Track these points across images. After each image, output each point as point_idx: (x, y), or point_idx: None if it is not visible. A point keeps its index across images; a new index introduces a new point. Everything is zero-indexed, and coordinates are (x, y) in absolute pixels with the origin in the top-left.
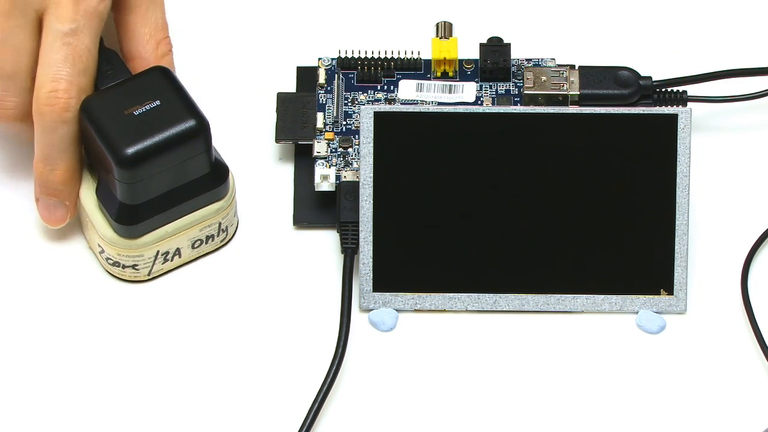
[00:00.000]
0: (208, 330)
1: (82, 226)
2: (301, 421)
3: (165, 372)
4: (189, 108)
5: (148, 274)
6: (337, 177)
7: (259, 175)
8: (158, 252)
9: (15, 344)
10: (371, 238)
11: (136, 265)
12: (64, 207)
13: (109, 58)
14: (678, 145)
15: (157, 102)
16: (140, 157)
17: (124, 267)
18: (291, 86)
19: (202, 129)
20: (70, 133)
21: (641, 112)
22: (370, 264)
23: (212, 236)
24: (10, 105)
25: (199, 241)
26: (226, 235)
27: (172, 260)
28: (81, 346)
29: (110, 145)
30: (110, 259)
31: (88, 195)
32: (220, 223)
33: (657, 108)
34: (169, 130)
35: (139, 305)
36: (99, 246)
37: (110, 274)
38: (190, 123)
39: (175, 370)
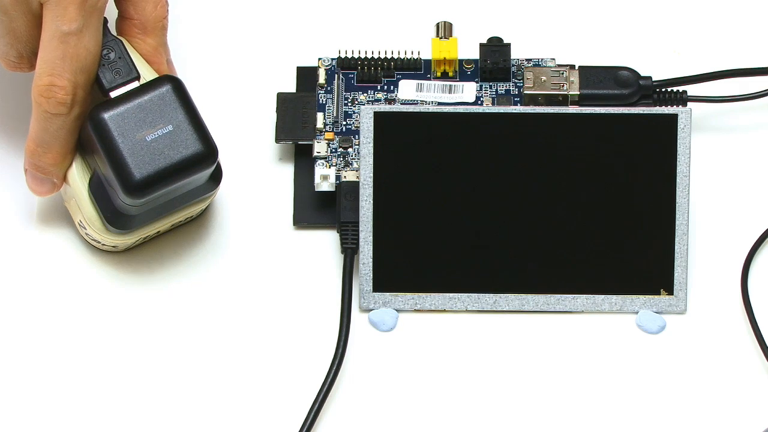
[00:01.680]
0: (208, 330)
1: (62, 194)
2: (302, 421)
3: (158, 371)
4: (200, 134)
5: (126, 249)
6: (337, 177)
7: (259, 175)
8: (140, 237)
9: None
10: (371, 238)
11: (117, 246)
12: (52, 183)
13: (117, 50)
14: (678, 145)
15: (169, 127)
16: (149, 184)
17: (103, 244)
18: (291, 86)
19: (211, 156)
20: (65, 125)
21: (641, 112)
22: (370, 264)
23: (191, 217)
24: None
25: (179, 223)
26: (203, 211)
27: (151, 239)
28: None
29: (119, 170)
30: (90, 236)
31: (79, 181)
32: (202, 209)
33: (657, 108)
34: (179, 159)
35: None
36: (81, 224)
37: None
38: (201, 150)
39: (171, 369)
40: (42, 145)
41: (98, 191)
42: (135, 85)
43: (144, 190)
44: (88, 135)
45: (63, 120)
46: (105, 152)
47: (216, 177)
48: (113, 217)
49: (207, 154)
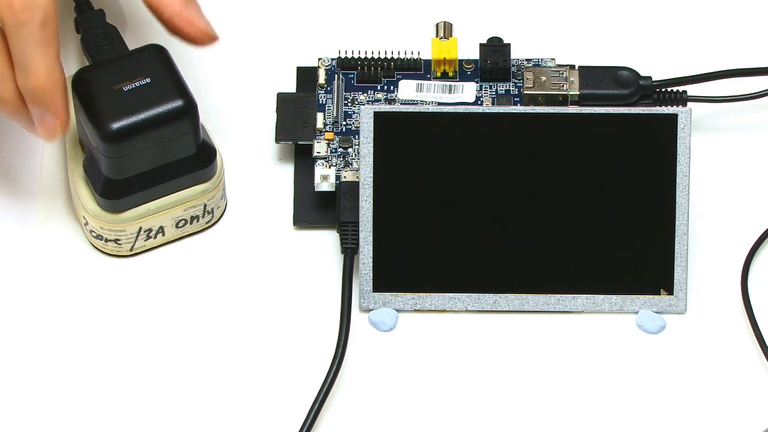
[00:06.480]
0: (207, 330)
1: (72, 197)
2: (302, 421)
3: (158, 370)
4: (178, 87)
5: (131, 250)
6: (337, 177)
7: (259, 175)
8: (141, 228)
9: None
10: (371, 238)
11: (119, 239)
12: (50, 116)
13: (109, 33)
14: (678, 145)
15: (148, 80)
16: (124, 132)
17: (106, 240)
18: (291, 86)
19: (189, 109)
20: (33, 35)
21: (641, 112)
22: (370, 264)
23: (197, 217)
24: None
25: (183, 221)
26: (212, 217)
27: (155, 237)
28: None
29: (96, 120)
30: (94, 231)
31: (75, 168)
32: (205, 205)
33: (657, 108)
34: (155, 109)
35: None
36: (84, 218)
37: (94, 246)
38: (178, 103)
39: (171, 369)
40: (22, 68)
41: (90, 167)
42: None
43: (120, 138)
44: (74, 101)
45: (29, 30)
46: (83, 106)
47: (206, 158)
48: (103, 188)
49: (184, 107)
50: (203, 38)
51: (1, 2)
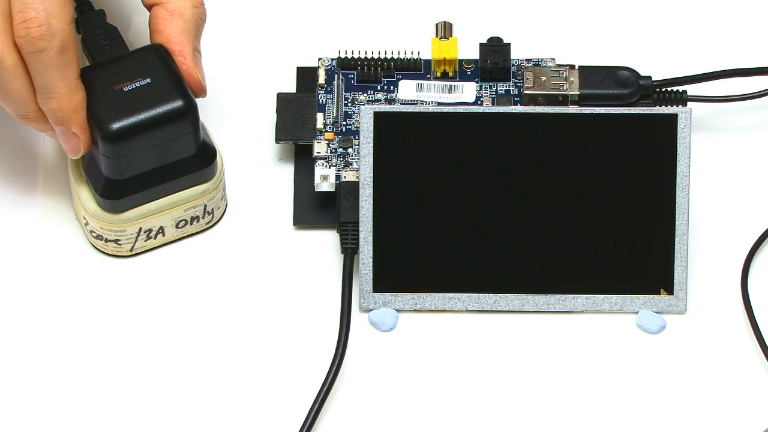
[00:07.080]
0: (208, 330)
1: (72, 197)
2: (302, 421)
3: (158, 370)
4: (178, 88)
5: (131, 250)
6: (337, 177)
7: (259, 175)
8: (141, 229)
9: None
10: (371, 238)
11: (119, 239)
12: (74, 136)
13: (109, 34)
14: (678, 145)
15: (148, 80)
16: (125, 133)
17: (106, 241)
18: (291, 86)
19: (189, 110)
20: (52, 62)
21: (641, 112)
22: (370, 264)
23: (197, 217)
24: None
25: (183, 222)
26: (212, 217)
27: (155, 238)
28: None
29: (96, 120)
30: (94, 231)
31: (75, 168)
32: (205, 206)
33: (657, 108)
34: (156, 109)
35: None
36: (84, 218)
37: (94, 247)
38: (178, 103)
39: (170, 369)
40: (42, 92)
41: (90, 167)
42: None
43: (120, 138)
44: None
45: (47, 56)
46: None
47: (207, 158)
48: (103, 188)
49: (184, 107)
50: (198, 90)
51: (19, 30)
